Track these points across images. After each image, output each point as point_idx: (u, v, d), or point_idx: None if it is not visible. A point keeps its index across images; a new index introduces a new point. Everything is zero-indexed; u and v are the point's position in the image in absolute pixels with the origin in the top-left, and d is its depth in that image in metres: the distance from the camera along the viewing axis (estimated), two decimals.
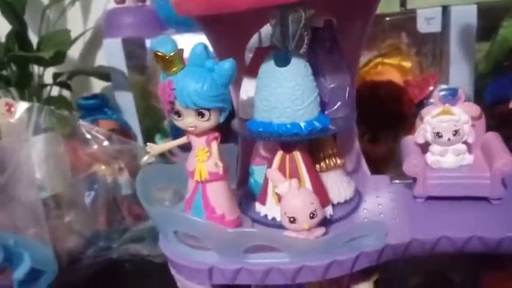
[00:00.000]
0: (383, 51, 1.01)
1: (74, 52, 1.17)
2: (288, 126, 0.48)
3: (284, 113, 0.48)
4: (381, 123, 0.85)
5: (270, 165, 0.52)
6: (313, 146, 0.54)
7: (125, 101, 1.07)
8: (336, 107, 0.55)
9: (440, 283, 0.63)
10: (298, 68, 0.48)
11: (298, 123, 0.48)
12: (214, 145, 0.48)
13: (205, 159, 0.48)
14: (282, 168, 0.50)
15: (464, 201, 0.52)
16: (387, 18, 0.98)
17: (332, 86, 0.54)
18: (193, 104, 0.45)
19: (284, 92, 0.47)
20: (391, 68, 0.98)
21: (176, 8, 0.48)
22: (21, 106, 0.88)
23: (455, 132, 0.51)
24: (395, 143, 0.85)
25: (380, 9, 0.91)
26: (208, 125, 0.47)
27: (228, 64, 0.45)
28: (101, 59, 1.15)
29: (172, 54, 0.45)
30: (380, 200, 0.56)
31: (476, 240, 0.46)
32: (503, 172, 0.49)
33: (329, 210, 0.52)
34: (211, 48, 0.56)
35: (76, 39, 1.05)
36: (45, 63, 1.00)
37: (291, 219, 0.46)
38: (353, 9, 0.55)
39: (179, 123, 0.48)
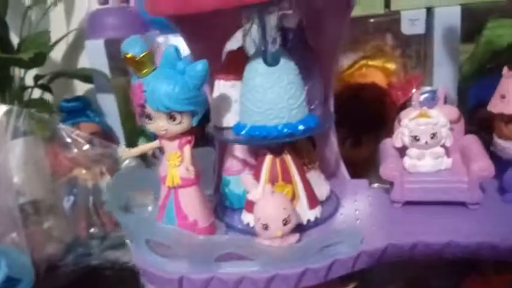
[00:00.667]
0: (368, 53, 1.01)
1: (57, 54, 1.16)
2: (285, 126, 0.47)
3: (280, 113, 0.46)
4: (363, 126, 0.84)
5: (255, 172, 0.51)
6: (293, 147, 0.53)
7: (108, 103, 1.05)
8: (313, 106, 0.54)
9: None
10: (289, 66, 0.47)
11: (292, 123, 0.47)
12: (187, 149, 0.47)
13: (177, 164, 0.47)
14: (273, 173, 0.49)
15: (442, 206, 0.51)
16: (372, 20, 0.97)
17: (308, 86, 0.53)
18: (164, 107, 0.44)
19: (279, 92, 0.46)
20: (375, 70, 0.97)
21: (148, 8, 0.47)
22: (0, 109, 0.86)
23: (433, 136, 0.50)
24: (378, 146, 0.84)
25: (364, 11, 0.92)
26: (180, 128, 0.46)
27: (200, 65, 0.44)
28: (84, 61, 1.14)
29: (142, 55, 0.43)
30: (357, 205, 0.55)
31: (454, 245, 0.45)
32: (481, 176, 0.48)
33: (317, 211, 0.51)
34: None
35: (58, 41, 1.03)
36: (25, 65, 0.98)
37: (264, 226, 0.45)
38: (326, 10, 0.54)
39: (151, 126, 0.46)
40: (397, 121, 0.55)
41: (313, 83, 0.54)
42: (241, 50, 0.51)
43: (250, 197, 0.46)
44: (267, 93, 0.46)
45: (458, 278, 0.60)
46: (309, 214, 0.51)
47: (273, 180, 0.49)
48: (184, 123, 0.45)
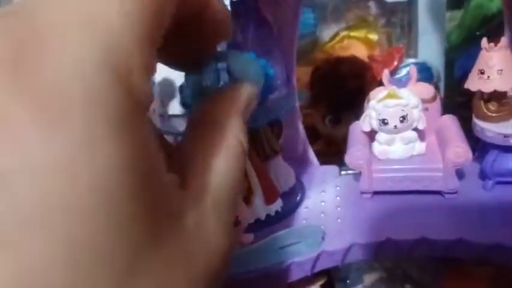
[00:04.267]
0: (350, 24, 0.94)
1: None
2: None
3: None
4: (342, 103, 0.78)
5: None
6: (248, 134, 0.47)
7: None
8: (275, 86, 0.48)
9: (398, 280, 0.58)
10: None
11: None
12: None
13: None
14: None
15: (415, 196, 0.46)
16: None
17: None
18: None
19: None
20: (357, 42, 0.91)
21: None
22: None
23: (403, 119, 0.44)
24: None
25: None
26: None
27: None
28: None
29: None
30: (324, 196, 0.49)
31: (425, 243, 0.40)
32: (457, 163, 0.43)
33: (278, 205, 0.46)
34: None
35: None
36: None
37: None
38: None
39: None
40: (366, 101, 0.49)
41: (273, 62, 0.47)
42: None
43: None
44: None
45: (437, 268, 0.55)
46: (267, 209, 0.46)
47: None
48: None
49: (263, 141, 0.48)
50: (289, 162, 0.51)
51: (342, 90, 0.78)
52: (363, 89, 0.79)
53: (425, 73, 0.77)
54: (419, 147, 0.46)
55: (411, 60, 0.81)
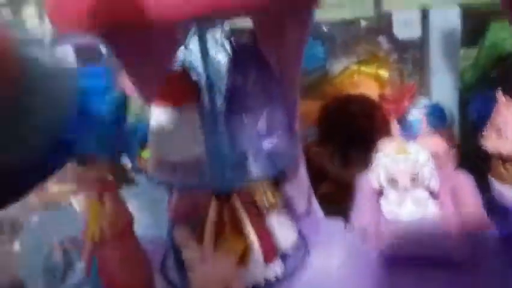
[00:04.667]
0: (361, 58, 0.92)
1: None
2: None
3: None
4: (351, 143, 0.75)
5: (196, 220, 0.42)
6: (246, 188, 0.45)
7: None
8: (275, 137, 0.45)
9: None
10: None
11: None
12: (109, 197, 0.38)
13: (99, 214, 0.39)
14: (220, 222, 0.41)
15: (425, 262, 0.42)
16: (363, 22, 0.88)
17: (266, 112, 0.44)
18: None
19: None
20: (367, 78, 0.88)
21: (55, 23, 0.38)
22: None
23: (414, 177, 0.41)
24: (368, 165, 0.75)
25: (354, 13, 0.83)
26: (93, 174, 0.37)
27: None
28: None
29: None
30: (328, 256, 0.46)
31: None
32: (472, 231, 0.39)
33: (277, 267, 0.43)
34: None
35: None
36: None
37: None
38: (284, 16, 0.45)
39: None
40: (375, 152, 0.46)
41: (273, 108, 0.45)
42: (181, 70, 0.43)
43: (185, 256, 0.38)
44: None
45: None
46: (267, 271, 0.42)
47: (219, 232, 0.40)
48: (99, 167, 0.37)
49: (262, 195, 0.45)
50: (292, 216, 0.48)
51: (351, 129, 0.75)
52: (373, 129, 0.76)
53: (438, 115, 0.74)
54: (432, 207, 0.43)
55: (424, 100, 0.77)
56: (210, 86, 0.39)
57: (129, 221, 0.40)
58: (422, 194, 0.42)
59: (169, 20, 0.32)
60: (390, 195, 0.42)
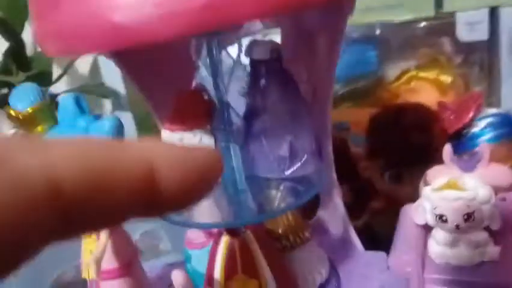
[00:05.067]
0: (420, 62, 0.83)
1: (80, 69, 1.09)
2: None
3: None
4: (404, 159, 0.67)
5: (210, 257, 0.37)
6: None
7: (125, 121, 0.96)
8: (302, 161, 0.39)
9: None
10: None
11: None
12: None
13: (94, 250, 0.34)
14: (231, 260, 0.36)
15: None
16: (423, 24, 0.79)
17: (292, 135, 0.38)
18: None
19: None
20: (427, 84, 0.79)
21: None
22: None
23: (468, 217, 0.33)
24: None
25: (412, 14, 0.74)
26: None
27: (108, 124, 0.31)
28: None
29: (29, 110, 0.32)
30: None
31: None
32: None
33: None
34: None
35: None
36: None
37: None
38: (313, 23, 0.38)
39: None
40: (423, 181, 0.39)
41: (300, 131, 0.39)
42: (194, 90, 0.38)
43: None
44: None
45: None
46: None
47: (230, 273, 0.35)
48: None
49: (285, 228, 0.39)
50: (326, 246, 0.42)
51: (404, 144, 0.67)
52: (428, 144, 0.68)
53: (509, 127, 0.64)
54: (492, 252, 0.35)
55: (492, 110, 0.67)
56: (222, 107, 0.34)
57: (130, 255, 0.35)
58: (480, 236, 0.34)
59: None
60: (440, 234, 0.35)
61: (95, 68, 1.09)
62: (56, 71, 0.99)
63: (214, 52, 0.33)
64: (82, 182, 0.10)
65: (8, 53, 0.95)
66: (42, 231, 0.10)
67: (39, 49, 0.99)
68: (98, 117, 0.32)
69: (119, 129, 0.31)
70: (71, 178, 0.10)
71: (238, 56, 0.35)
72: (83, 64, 1.07)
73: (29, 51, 0.99)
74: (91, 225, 0.11)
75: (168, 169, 0.11)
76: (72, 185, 0.10)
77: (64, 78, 1.01)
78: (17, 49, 0.95)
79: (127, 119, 0.96)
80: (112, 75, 0.90)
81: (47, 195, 0.10)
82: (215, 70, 0.33)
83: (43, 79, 0.87)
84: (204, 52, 0.36)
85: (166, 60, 0.39)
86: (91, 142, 0.11)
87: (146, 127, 0.97)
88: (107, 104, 1.05)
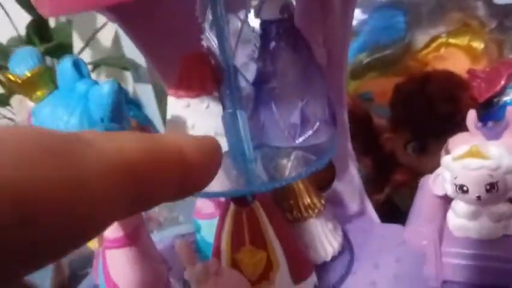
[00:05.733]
0: (450, 28, 0.79)
1: (102, 41, 1.09)
2: None
3: None
4: (429, 129, 0.64)
5: (218, 226, 0.36)
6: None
7: (146, 94, 0.96)
8: (314, 129, 0.37)
9: None
10: None
11: None
12: None
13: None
14: (238, 231, 0.34)
15: None
16: None
17: (305, 99, 0.36)
18: None
19: None
20: (457, 51, 0.75)
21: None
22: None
23: (491, 187, 0.31)
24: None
25: None
26: None
27: (106, 88, 0.30)
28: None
29: (28, 74, 0.31)
30: (375, 275, 0.37)
31: None
32: None
33: (312, 281, 0.36)
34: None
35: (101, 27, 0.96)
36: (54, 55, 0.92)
37: None
38: None
39: None
40: (444, 150, 0.36)
41: (312, 97, 0.36)
42: (200, 54, 0.36)
43: (186, 276, 0.32)
44: None
45: None
46: None
47: (238, 244, 0.34)
48: None
49: (297, 198, 0.37)
50: (339, 220, 0.40)
51: (429, 114, 0.64)
52: (457, 113, 0.64)
53: None
54: None
55: None
56: (230, 72, 0.32)
57: (135, 223, 0.34)
58: (503, 207, 0.31)
59: None
60: (460, 206, 0.33)
61: (116, 41, 1.08)
62: (78, 45, 0.99)
63: (219, 10, 0.31)
64: (146, 160, 0.12)
65: (30, 25, 0.95)
66: (116, 206, 0.11)
67: (61, 20, 0.99)
68: (97, 81, 0.31)
69: (118, 93, 0.30)
70: (139, 158, 0.12)
71: (246, 16, 0.33)
72: (104, 37, 1.07)
73: (52, 23, 1.00)
74: (150, 203, 0.13)
75: (193, 152, 0.14)
76: (140, 164, 0.12)
77: (86, 51, 1.01)
78: (39, 22, 0.95)
79: (147, 90, 0.96)
80: (133, 48, 0.90)
81: (123, 173, 0.12)
82: (221, 32, 0.32)
83: (64, 51, 0.87)
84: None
85: (170, 20, 0.37)
86: (135, 133, 0.13)
87: (165, 99, 0.97)
88: (128, 76, 1.05)
